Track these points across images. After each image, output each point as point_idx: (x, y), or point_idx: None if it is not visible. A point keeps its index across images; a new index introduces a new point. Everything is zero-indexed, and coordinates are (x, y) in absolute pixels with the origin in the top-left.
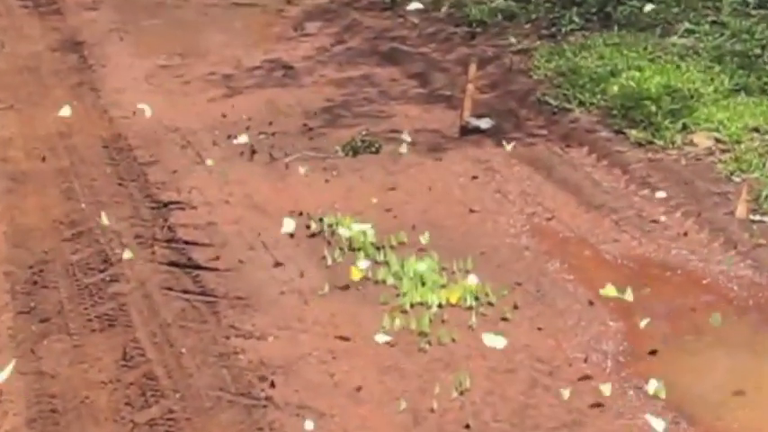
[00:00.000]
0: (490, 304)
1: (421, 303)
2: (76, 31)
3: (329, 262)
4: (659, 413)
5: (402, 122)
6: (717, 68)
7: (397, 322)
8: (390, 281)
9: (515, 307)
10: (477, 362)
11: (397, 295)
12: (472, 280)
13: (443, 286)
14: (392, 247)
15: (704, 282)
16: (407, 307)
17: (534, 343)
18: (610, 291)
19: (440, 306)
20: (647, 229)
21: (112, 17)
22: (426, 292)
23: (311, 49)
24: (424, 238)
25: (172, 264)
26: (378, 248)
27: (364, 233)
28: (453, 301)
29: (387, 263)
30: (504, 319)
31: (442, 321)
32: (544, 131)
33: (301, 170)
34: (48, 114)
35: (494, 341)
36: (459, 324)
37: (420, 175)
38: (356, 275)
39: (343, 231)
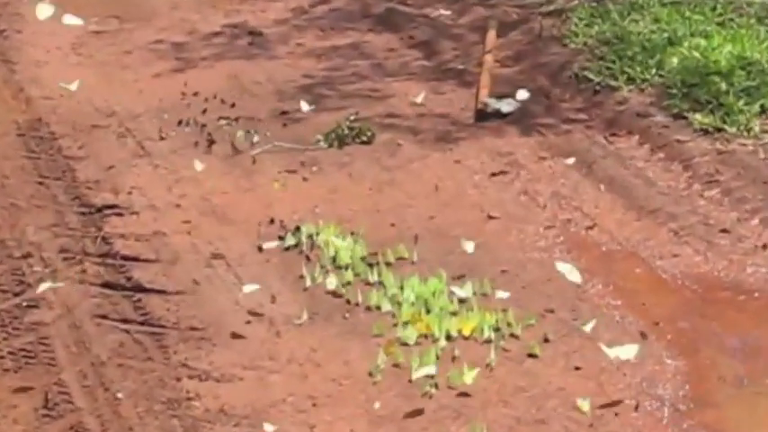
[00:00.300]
0: (514, 336)
1: (425, 335)
2: None
3: (308, 283)
4: None
5: (401, 104)
6: None
7: (395, 360)
8: (386, 306)
9: (546, 340)
10: (497, 410)
11: (395, 325)
12: (491, 305)
13: (454, 314)
14: (388, 264)
15: None
16: (408, 340)
17: (570, 386)
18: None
19: (449, 339)
20: (715, 241)
21: None
22: (432, 320)
23: (285, 11)
24: (429, 253)
25: (107, 285)
26: (370, 265)
27: (353, 246)
28: (467, 332)
29: (382, 284)
30: (532, 356)
31: (453, 359)
32: (583, 116)
33: (273, 165)
34: None
35: (519, 384)
36: (475, 362)
37: (424, 171)
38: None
39: (325, 244)
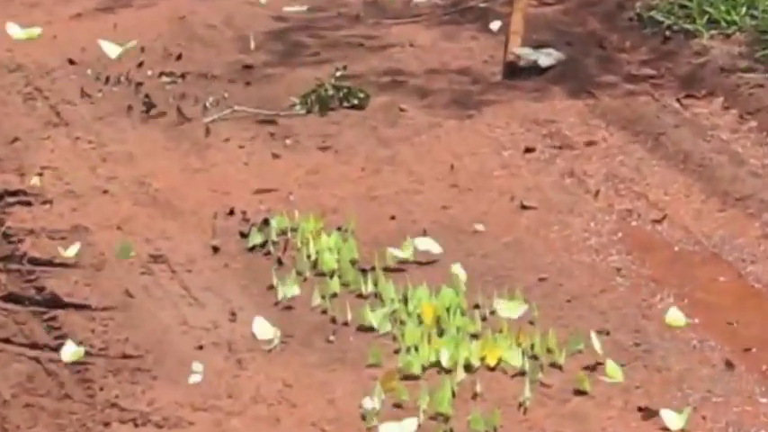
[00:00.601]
0: (556, 367)
1: (437, 365)
2: None
3: (280, 295)
4: None
5: (406, 56)
6: None
7: (398, 398)
8: (385, 326)
9: (598, 371)
10: None
11: (397, 351)
12: (525, 325)
13: (475, 336)
14: (388, 270)
15: None
16: (414, 371)
17: None
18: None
19: (469, 370)
20: None
21: None
22: (447, 345)
23: None
24: (442, 254)
25: (11, 298)
26: (363, 272)
27: (341, 245)
28: (492, 361)
29: (379, 296)
30: (580, 393)
31: (474, 396)
32: (649, 71)
33: (232, 138)
34: None
35: (562, 430)
36: (504, 401)
37: (435, 146)
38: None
39: (304, 243)
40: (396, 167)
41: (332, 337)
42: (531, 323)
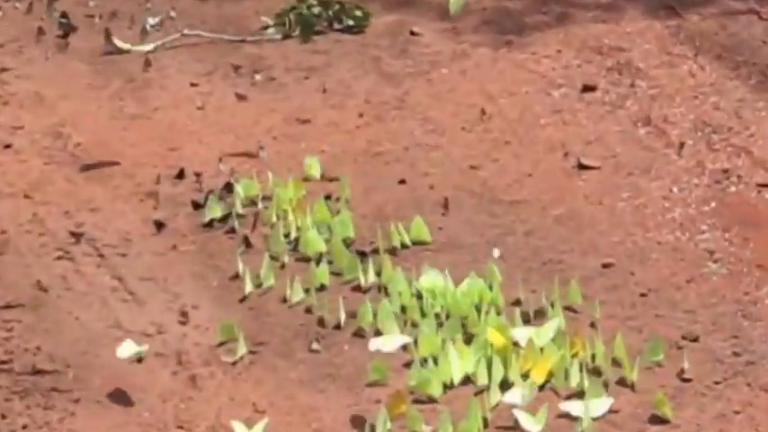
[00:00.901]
0: (626, 386)
1: (464, 384)
2: None
3: (248, 288)
4: None
5: None
6: None
7: (411, 429)
8: (392, 329)
9: (683, 387)
10: None
11: (408, 364)
12: (583, 328)
13: (515, 344)
14: (395, 254)
15: None
16: (432, 391)
17: None
18: None
19: (507, 390)
20: None
21: None
22: (477, 356)
23: None
24: (468, 232)
25: None
26: (362, 255)
27: (330, 220)
28: (539, 377)
29: (383, 289)
30: (660, 421)
31: (515, 428)
32: None
33: (182, 72)
34: None
35: None
36: (556, 430)
37: (461, 83)
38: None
39: (281, 216)
40: (406, 113)
41: (319, 346)
42: (593, 326)
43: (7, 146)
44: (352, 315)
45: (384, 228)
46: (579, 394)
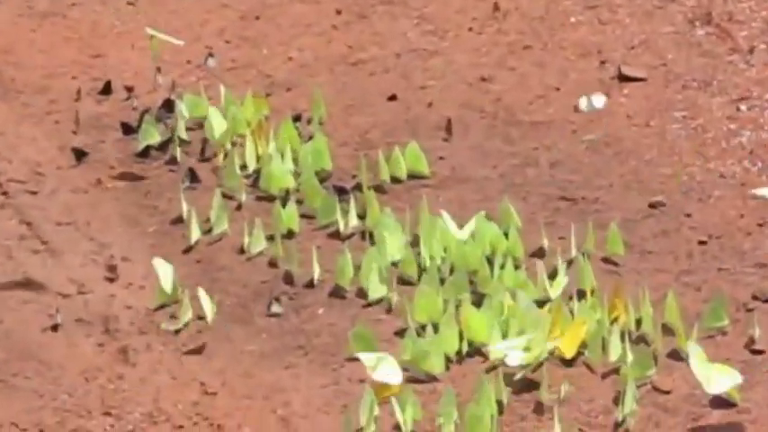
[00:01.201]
0: (680, 359)
1: (472, 356)
2: None
3: (195, 235)
4: None
5: None
6: None
7: (402, 415)
8: (378, 289)
9: (753, 366)
10: None
11: (400, 332)
12: (626, 286)
13: (539, 304)
14: (380, 188)
15: None
16: (431, 366)
17: None
18: None
19: (528, 365)
20: None
21: None
22: (489, 322)
23: None
24: (479, 162)
25: None
26: (340, 191)
27: (299, 147)
28: (569, 350)
29: (368, 236)
30: (725, 404)
31: (539, 410)
32: None
33: None
34: None
35: None
36: (589, 420)
37: None
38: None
39: (235, 141)
40: (397, 9)
41: (284, 309)
42: (637, 283)
43: None
44: (328, 270)
45: (369, 157)
46: (615, 370)
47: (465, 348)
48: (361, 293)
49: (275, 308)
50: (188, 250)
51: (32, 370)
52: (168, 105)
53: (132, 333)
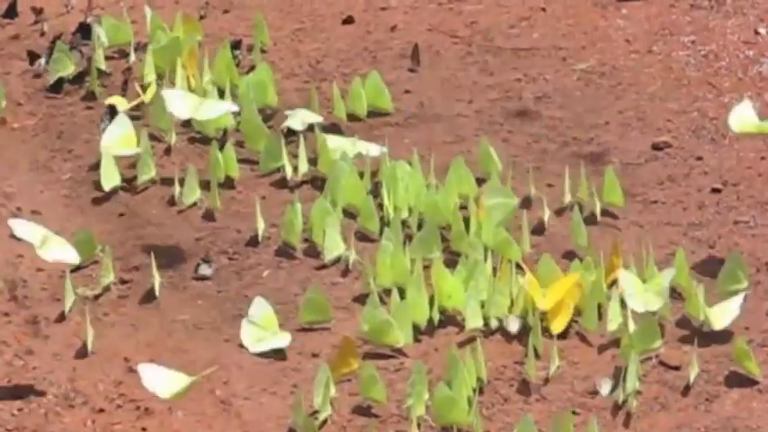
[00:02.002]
0: (692, 330)
1: (444, 326)
2: None
3: (109, 182)
4: None
5: None
6: None
7: (364, 395)
8: (335, 246)
9: None
10: None
11: (361, 298)
12: (626, 240)
13: (519, 267)
14: (335, 128)
15: None
16: (396, 338)
17: None
18: None
19: (509, 329)
20: None
21: None
22: (464, 285)
23: None
24: (449, 96)
25: None
26: (288, 132)
27: (237, 78)
28: (558, 325)
29: (320, 181)
30: (744, 382)
31: (524, 392)
32: None
33: None
34: None
35: None
36: (584, 401)
37: None
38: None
39: (163, 72)
40: None
41: (213, 267)
42: (639, 238)
43: None
44: (274, 224)
45: (322, 91)
46: (614, 342)
47: (436, 317)
48: (313, 252)
49: (204, 269)
50: (101, 201)
51: None
52: (84, 30)
53: (44, 300)
